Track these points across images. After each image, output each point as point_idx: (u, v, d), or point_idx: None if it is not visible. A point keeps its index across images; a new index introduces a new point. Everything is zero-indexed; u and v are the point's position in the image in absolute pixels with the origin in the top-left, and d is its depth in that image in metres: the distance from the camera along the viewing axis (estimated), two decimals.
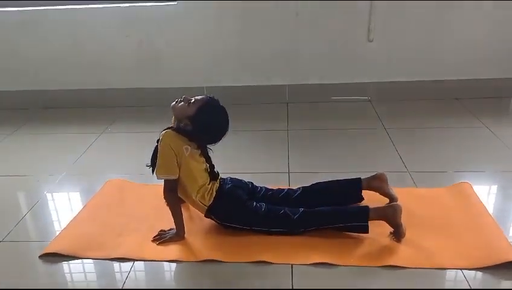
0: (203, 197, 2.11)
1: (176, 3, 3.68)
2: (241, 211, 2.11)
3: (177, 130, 2.06)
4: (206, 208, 2.12)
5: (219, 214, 2.14)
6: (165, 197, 2.10)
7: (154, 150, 2.08)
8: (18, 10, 3.78)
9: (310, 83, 3.83)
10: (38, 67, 3.91)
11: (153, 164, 2.09)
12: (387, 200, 2.24)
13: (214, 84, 3.86)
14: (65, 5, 3.77)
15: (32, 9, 3.78)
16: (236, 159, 2.94)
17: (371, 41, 3.66)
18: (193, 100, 2.05)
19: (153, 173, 2.09)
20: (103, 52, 3.84)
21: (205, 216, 2.16)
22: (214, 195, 2.12)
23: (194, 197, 2.10)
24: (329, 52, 3.74)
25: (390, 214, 2.02)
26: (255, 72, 3.83)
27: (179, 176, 2.06)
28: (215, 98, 2.11)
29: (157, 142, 2.06)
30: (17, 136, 3.49)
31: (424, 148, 2.98)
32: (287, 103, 3.85)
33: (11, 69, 3.93)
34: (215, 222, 2.17)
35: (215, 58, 3.82)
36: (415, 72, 3.76)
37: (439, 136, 3.15)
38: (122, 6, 3.72)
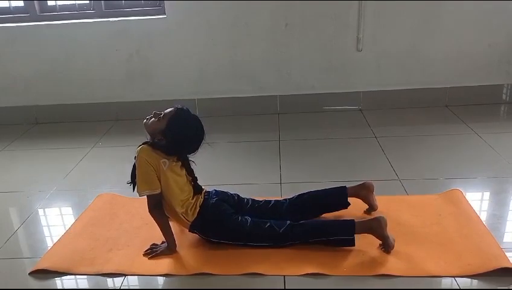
0: (186, 212, 2.09)
1: (165, 16, 3.70)
2: (226, 226, 2.09)
3: (152, 145, 2.04)
4: (190, 223, 2.10)
5: (203, 230, 2.12)
6: (151, 214, 2.07)
7: (133, 167, 2.06)
8: (8, 26, 3.78)
9: (300, 93, 3.84)
10: (29, 82, 3.90)
11: (134, 181, 2.07)
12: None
13: (205, 96, 3.87)
14: (55, 20, 3.79)
15: (22, 25, 3.78)
16: (228, 170, 2.93)
17: (359, 51, 3.69)
18: (162, 114, 2.03)
19: (133, 191, 2.07)
20: (94, 67, 3.84)
21: (189, 231, 2.14)
22: (197, 210, 2.09)
23: (177, 212, 2.08)
24: (319, 62, 3.76)
25: (376, 227, 2.01)
26: (246, 83, 3.84)
27: (161, 190, 2.04)
28: (185, 108, 2.07)
29: (135, 158, 2.04)
30: (8, 152, 3.48)
31: (415, 156, 2.99)
32: (278, 114, 3.86)
33: (1, 84, 3.91)
34: (200, 237, 2.15)
35: (206, 70, 3.83)
36: (404, 81, 3.78)
37: (429, 144, 3.16)
38: (112, 21, 3.73)
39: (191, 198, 2.11)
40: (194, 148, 2.09)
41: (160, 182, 2.03)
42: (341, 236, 2.03)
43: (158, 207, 2.07)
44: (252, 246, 2.08)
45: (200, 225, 2.10)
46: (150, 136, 2.07)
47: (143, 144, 2.05)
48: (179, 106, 2.07)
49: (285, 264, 1.97)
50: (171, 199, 2.06)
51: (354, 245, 2.02)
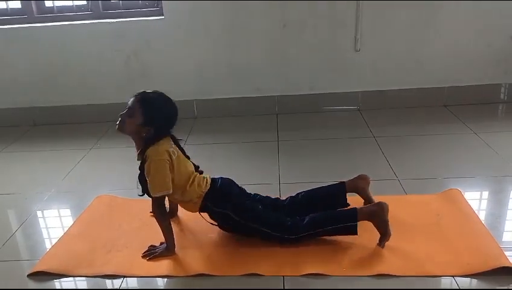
0: (199, 185, 2.11)
1: (163, 17, 3.70)
2: (238, 201, 2.12)
3: (152, 141, 2.03)
4: (203, 194, 2.10)
5: (215, 200, 2.11)
6: (155, 213, 2.09)
7: (140, 173, 2.06)
8: (5, 27, 3.77)
9: (299, 93, 3.84)
10: (27, 84, 3.89)
11: (142, 185, 2.08)
12: None
13: (204, 97, 3.87)
14: (53, 21, 3.78)
15: (20, 26, 3.78)
16: (227, 170, 2.91)
17: (357, 51, 3.69)
18: (128, 110, 2.02)
19: (143, 195, 2.09)
20: (91, 68, 3.84)
21: (200, 207, 2.12)
22: (209, 182, 2.14)
23: (189, 188, 2.08)
24: (317, 63, 3.76)
25: (377, 212, 2.03)
26: (244, 84, 3.84)
27: (174, 178, 2.05)
28: (141, 91, 2.08)
29: (142, 164, 2.04)
30: (6, 154, 3.47)
31: (414, 156, 2.99)
32: (277, 114, 3.86)
33: None
34: (209, 212, 2.13)
35: (205, 71, 3.82)
36: (402, 81, 3.78)
37: (428, 144, 3.16)
38: (110, 22, 3.73)
39: (195, 171, 2.15)
40: (175, 120, 2.10)
41: (173, 171, 2.04)
42: (344, 223, 2.05)
43: (163, 207, 2.09)
44: (259, 230, 2.07)
45: (213, 195, 2.12)
46: (134, 136, 2.07)
47: (143, 148, 2.04)
48: (136, 93, 2.07)
49: (284, 265, 1.97)
50: (184, 179, 2.08)
51: (356, 233, 2.04)
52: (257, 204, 2.15)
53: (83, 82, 3.88)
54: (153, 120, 2.02)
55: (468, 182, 2.61)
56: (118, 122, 2.05)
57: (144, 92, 2.08)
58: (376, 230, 2.06)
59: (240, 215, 2.09)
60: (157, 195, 2.03)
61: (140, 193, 2.12)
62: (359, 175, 2.32)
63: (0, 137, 3.75)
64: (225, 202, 2.11)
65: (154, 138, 2.04)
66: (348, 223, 2.05)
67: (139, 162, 2.07)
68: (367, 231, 2.07)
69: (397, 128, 3.46)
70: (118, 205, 2.56)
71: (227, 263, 2.02)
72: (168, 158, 2.02)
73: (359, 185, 2.29)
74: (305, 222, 2.08)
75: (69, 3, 3.83)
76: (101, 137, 3.62)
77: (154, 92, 2.09)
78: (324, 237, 2.10)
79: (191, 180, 2.11)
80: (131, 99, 2.05)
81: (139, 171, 2.08)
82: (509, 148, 2.98)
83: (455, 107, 3.72)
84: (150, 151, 2.02)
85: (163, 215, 2.10)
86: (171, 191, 2.04)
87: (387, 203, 2.05)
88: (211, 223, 2.20)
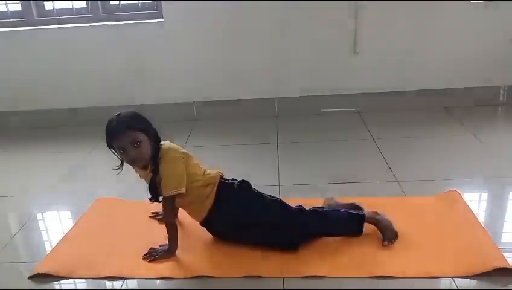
0: (212, 172, 2.16)
1: (163, 20, 3.71)
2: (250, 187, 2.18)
3: (158, 143, 2.07)
4: (220, 174, 2.16)
5: (231, 181, 2.16)
6: (164, 213, 2.12)
7: (151, 182, 2.07)
8: (5, 30, 3.79)
9: (298, 95, 3.85)
10: (26, 86, 3.90)
11: (152, 194, 2.10)
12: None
13: (203, 100, 3.88)
14: (53, 24, 3.79)
15: (20, 29, 3.79)
16: (227, 173, 2.92)
17: (357, 53, 3.70)
18: (128, 147, 2.02)
19: (153, 201, 2.12)
20: (91, 71, 3.85)
21: (217, 188, 2.11)
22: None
23: (206, 172, 2.12)
24: (317, 65, 3.77)
25: (379, 213, 2.12)
26: (243, 86, 3.85)
27: (191, 170, 2.07)
28: (115, 116, 2.10)
29: (155, 166, 2.04)
30: (6, 157, 3.48)
31: (413, 158, 3.00)
32: (276, 116, 3.87)
33: None
34: (225, 193, 2.12)
35: (204, 73, 3.83)
36: (401, 83, 3.79)
37: (427, 145, 3.17)
38: (109, 25, 3.74)
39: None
40: None
41: (188, 166, 2.07)
42: (352, 211, 2.13)
43: (173, 208, 2.12)
44: (265, 212, 2.10)
45: (225, 179, 2.18)
46: (150, 157, 2.04)
47: (155, 154, 2.04)
48: (111, 132, 2.09)
49: (284, 266, 1.98)
50: (198, 167, 2.13)
51: (362, 229, 2.09)
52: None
53: (83, 84, 3.89)
54: (147, 127, 2.04)
55: (467, 184, 2.62)
56: (140, 165, 2.07)
57: (113, 121, 2.08)
58: (375, 233, 2.09)
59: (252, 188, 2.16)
60: (170, 194, 2.03)
61: (149, 202, 2.15)
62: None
63: (0, 140, 3.76)
64: (236, 180, 2.19)
65: (158, 140, 2.07)
66: (356, 211, 2.12)
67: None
68: (367, 234, 2.09)
69: (396, 130, 3.47)
70: (119, 207, 2.57)
71: (228, 264, 2.03)
72: (182, 156, 2.05)
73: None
74: (310, 212, 2.11)
75: (69, 5, 3.84)
76: (101, 140, 3.62)
77: (120, 114, 2.10)
78: (324, 240, 2.11)
79: (203, 167, 2.16)
80: (119, 140, 2.04)
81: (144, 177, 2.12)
82: (508, 149, 2.99)
83: (454, 109, 3.73)
84: (163, 151, 2.04)
85: (172, 216, 2.13)
86: (184, 190, 2.03)
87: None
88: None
